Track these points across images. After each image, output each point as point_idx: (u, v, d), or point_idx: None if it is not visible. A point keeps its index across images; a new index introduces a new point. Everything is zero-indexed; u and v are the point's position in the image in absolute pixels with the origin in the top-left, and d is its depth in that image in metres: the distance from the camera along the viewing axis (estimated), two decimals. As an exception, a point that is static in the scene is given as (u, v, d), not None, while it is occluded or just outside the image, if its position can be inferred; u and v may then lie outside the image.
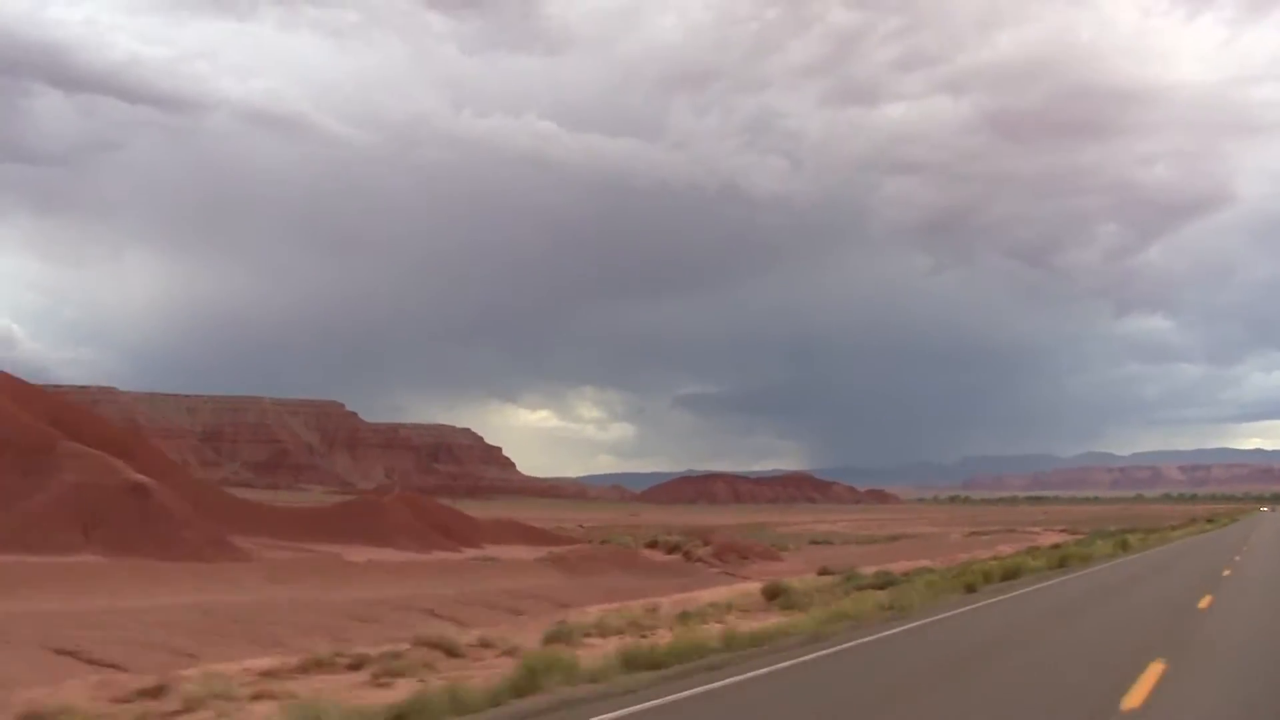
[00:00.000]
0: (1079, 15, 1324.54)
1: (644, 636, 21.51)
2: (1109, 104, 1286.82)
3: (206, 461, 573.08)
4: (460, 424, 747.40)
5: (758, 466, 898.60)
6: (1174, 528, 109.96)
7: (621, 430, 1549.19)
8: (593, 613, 27.62)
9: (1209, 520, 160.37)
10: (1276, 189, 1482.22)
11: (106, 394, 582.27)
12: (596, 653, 18.33)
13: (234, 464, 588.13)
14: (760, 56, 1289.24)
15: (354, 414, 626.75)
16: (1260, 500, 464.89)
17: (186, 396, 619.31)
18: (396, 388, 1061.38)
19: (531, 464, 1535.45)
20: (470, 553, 76.19)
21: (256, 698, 14.83)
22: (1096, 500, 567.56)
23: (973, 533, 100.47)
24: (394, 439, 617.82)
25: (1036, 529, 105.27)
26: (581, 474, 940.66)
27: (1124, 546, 61.38)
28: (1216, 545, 68.84)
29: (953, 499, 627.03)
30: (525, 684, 14.64)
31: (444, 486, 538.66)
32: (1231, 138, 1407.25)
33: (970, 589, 32.31)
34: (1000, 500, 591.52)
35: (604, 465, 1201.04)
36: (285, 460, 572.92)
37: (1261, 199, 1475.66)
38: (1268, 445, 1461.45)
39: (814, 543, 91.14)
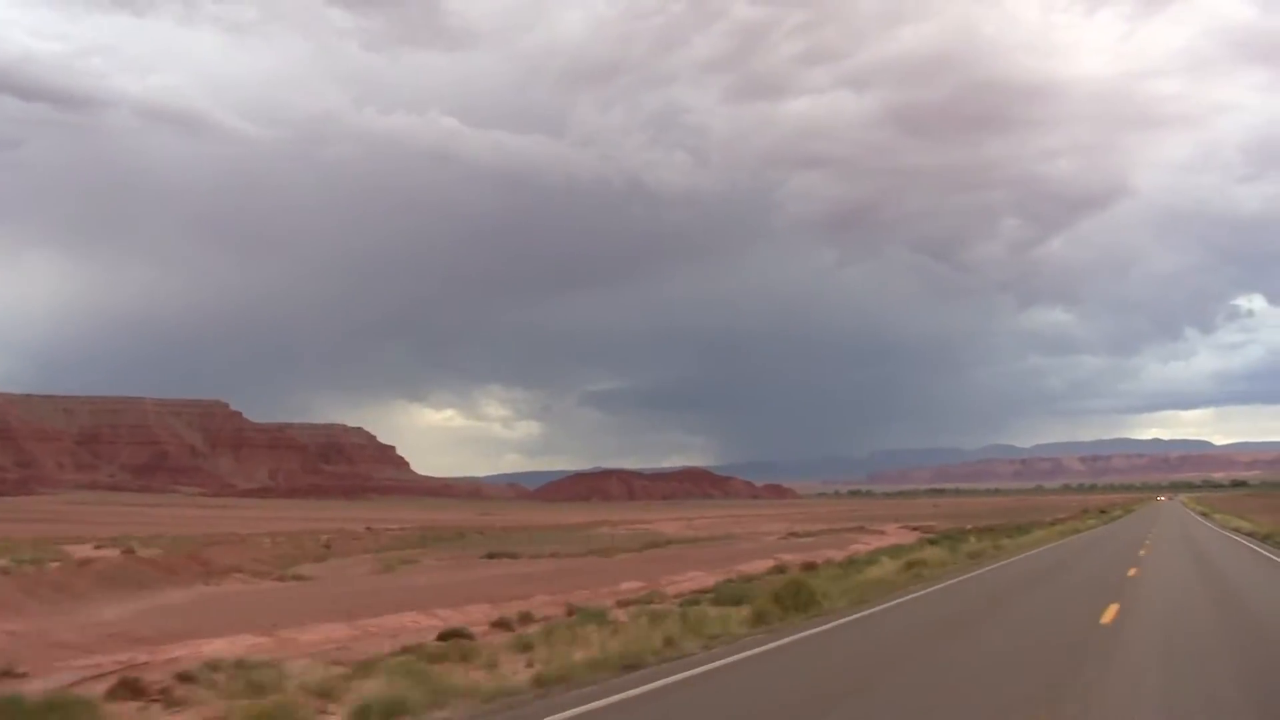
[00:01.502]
0: (981, 10, 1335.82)
1: None
2: (1011, 98, 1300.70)
3: (83, 465, 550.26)
4: (358, 423, 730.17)
5: (666, 463, 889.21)
6: (1054, 522, 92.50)
7: (528, 428, 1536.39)
8: None
9: (1101, 511, 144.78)
10: (1174, 182, 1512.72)
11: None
12: None
13: (111, 467, 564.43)
14: (665, 51, 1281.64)
15: (238, 414, 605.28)
16: (1158, 489, 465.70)
17: (64, 398, 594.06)
18: (302, 388, 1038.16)
19: (438, 464, 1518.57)
20: None
21: None
22: (996, 492, 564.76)
23: (792, 534, 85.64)
24: (280, 439, 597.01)
25: (890, 526, 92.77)
26: (488, 473, 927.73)
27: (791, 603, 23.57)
28: (1065, 579, 34.06)
29: (853, 493, 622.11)
30: None
31: (331, 487, 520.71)
32: (1131, 131, 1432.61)
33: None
34: (901, 494, 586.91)
35: (511, 464, 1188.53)
36: (165, 463, 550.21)
37: (1160, 192, 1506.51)
38: (1165, 435, 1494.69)
39: (488, 557, 65.82)
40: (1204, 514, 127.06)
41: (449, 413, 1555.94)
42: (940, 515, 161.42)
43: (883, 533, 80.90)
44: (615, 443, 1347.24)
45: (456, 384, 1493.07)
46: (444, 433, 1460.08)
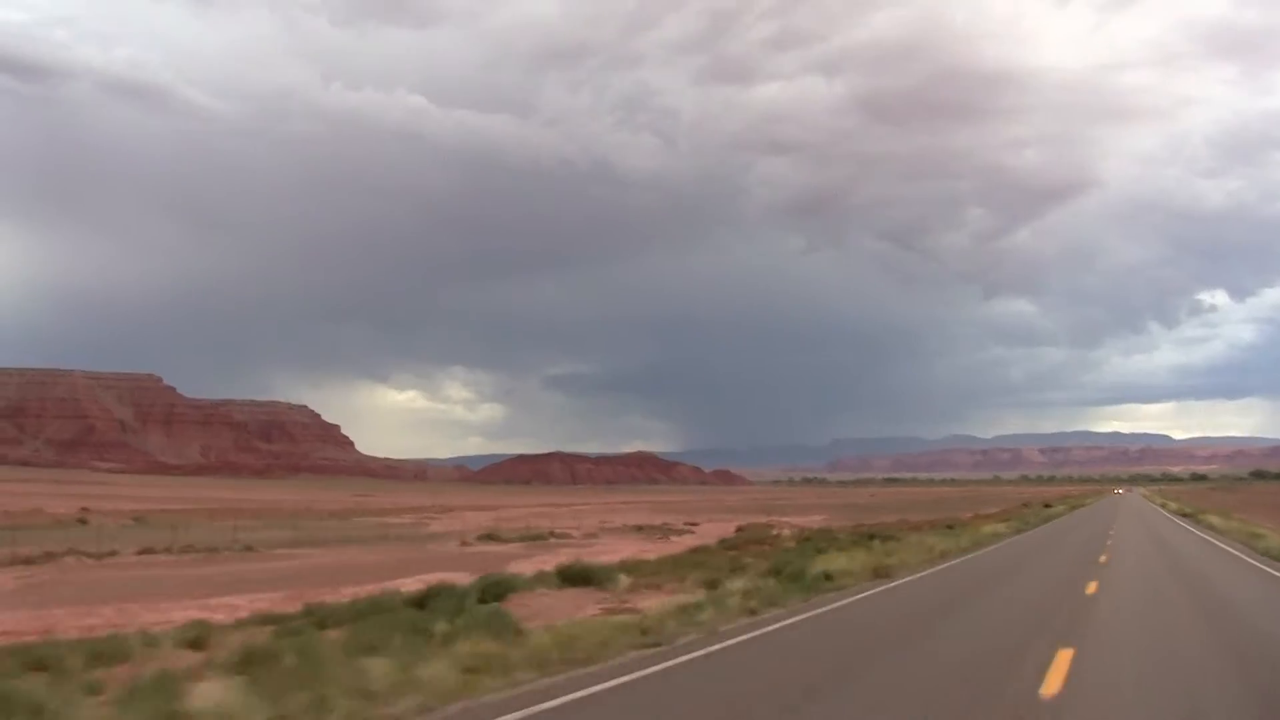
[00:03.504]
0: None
1: None
2: (980, 87, 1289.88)
3: (7, 439, 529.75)
4: (315, 404, 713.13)
5: (626, 448, 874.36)
6: (970, 521, 73.45)
7: (490, 411, 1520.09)
8: None
9: (1045, 505, 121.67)
10: (1140, 173, 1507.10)
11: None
12: None
13: (36, 442, 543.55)
14: (634, 33, 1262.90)
15: (171, 388, 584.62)
16: (1117, 481, 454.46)
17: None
18: (256, 367, 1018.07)
19: (398, 445, 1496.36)
20: None
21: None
22: (952, 482, 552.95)
23: (490, 536, 61.93)
24: (214, 416, 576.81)
25: (786, 520, 76.38)
26: (450, 456, 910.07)
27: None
28: None
29: (807, 481, 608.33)
30: None
31: (264, 466, 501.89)
32: (1099, 123, 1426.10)
33: None
34: (858, 482, 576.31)
35: (473, 447, 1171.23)
36: (91, 438, 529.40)
37: (1126, 183, 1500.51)
38: (1124, 428, 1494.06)
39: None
40: (1185, 515, 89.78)
41: (411, 394, 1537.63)
42: (871, 506, 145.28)
43: (694, 529, 64.20)
44: (577, 427, 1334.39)
45: (419, 365, 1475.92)
46: (405, 414, 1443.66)
